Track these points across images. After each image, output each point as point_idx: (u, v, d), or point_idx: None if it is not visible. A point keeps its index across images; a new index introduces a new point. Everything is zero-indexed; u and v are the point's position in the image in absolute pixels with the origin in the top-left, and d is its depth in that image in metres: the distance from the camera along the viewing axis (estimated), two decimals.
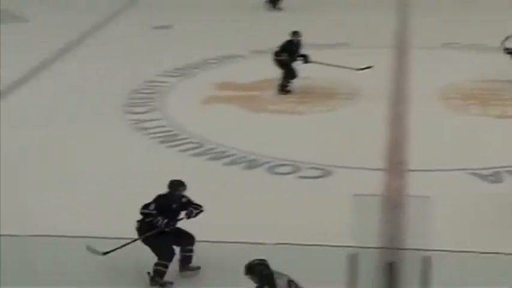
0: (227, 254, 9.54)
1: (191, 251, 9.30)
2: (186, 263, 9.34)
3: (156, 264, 9.14)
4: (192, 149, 13.01)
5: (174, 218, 9.20)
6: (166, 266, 9.14)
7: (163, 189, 11.09)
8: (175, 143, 13.28)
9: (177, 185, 9.28)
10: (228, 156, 12.68)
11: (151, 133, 13.70)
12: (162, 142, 13.34)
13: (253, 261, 7.92)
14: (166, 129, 13.87)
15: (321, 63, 15.50)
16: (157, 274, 9.15)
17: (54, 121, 14.27)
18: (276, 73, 15.64)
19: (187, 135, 13.58)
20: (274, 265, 8.09)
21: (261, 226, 10.23)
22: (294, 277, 7.89)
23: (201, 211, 9.34)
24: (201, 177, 11.88)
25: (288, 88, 15.70)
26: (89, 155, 12.80)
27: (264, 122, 14.40)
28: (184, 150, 12.96)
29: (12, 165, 12.34)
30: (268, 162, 12.40)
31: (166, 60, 17.83)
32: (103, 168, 12.24)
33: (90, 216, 10.65)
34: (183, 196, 9.33)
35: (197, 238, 9.38)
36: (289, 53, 15.50)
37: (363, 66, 15.76)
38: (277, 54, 15.54)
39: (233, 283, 8.80)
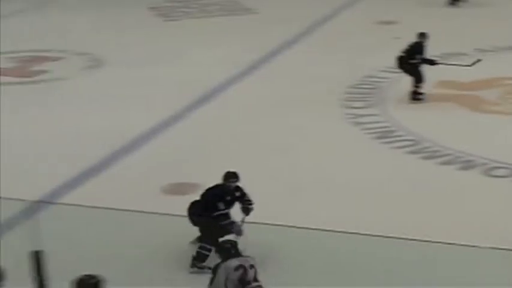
0: (430, 254, 9.48)
1: (210, 250, 9.06)
2: (199, 260, 9.16)
3: (199, 248, 9.13)
4: (407, 146, 12.93)
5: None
6: (209, 250, 9.03)
7: (376, 185, 11.27)
8: (391, 139, 13.25)
9: (230, 177, 9.18)
10: (443, 155, 12.48)
11: (367, 128, 13.75)
12: (378, 138, 13.34)
13: (224, 240, 8.09)
14: (382, 125, 13.86)
15: (444, 64, 15.33)
16: (199, 257, 9.11)
17: (275, 110, 14.65)
18: (498, 73, 15.20)
19: (403, 132, 13.52)
20: (487, 270, 7.95)
21: (473, 228, 10.09)
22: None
23: (252, 209, 9.30)
24: (413, 175, 11.87)
25: (421, 95, 14.98)
26: (303, 145, 13.06)
27: (484, 123, 14.02)
28: (399, 147, 12.92)
29: (230, 150, 12.84)
30: (484, 164, 12.11)
31: (388, 56, 17.74)
32: (316, 159, 12.46)
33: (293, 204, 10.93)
34: (237, 189, 9.26)
35: (402, 236, 9.30)
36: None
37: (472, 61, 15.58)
38: (408, 58, 14.86)
39: (443, 283, 8.77)
